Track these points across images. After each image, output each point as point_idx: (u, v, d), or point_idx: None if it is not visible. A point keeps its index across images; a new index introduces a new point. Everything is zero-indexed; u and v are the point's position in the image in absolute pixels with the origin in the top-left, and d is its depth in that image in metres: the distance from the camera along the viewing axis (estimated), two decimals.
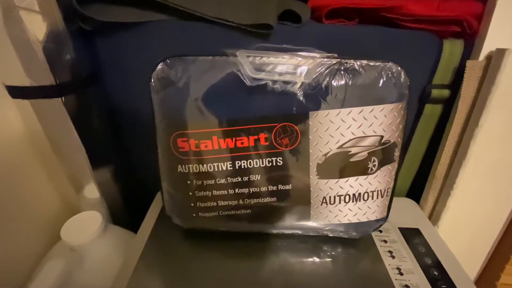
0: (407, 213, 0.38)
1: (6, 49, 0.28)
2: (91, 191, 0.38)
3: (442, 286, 0.29)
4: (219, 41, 0.32)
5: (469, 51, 0.33)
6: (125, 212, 0.43)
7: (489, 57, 0.31)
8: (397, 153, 0.29)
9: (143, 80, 0.27)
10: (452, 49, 0.33)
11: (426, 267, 0.31)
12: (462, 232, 0.38)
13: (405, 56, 0.31)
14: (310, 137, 0.27)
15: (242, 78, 0.26)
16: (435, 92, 0.34)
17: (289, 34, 0.32)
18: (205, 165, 0.28)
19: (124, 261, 0.31)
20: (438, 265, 0.31)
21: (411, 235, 0.34)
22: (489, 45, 0.31)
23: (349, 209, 0.30)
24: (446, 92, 0.34)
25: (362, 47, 0.33)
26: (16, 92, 0.30)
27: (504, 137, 0.32)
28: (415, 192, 0.41)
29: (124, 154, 0.42)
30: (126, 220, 0.42)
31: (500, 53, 0.30)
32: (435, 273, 0.30)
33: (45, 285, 0.29)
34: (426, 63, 0.34)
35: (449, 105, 0.35)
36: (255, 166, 0.28)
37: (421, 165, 0.40)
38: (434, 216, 0.39)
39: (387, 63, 0.26)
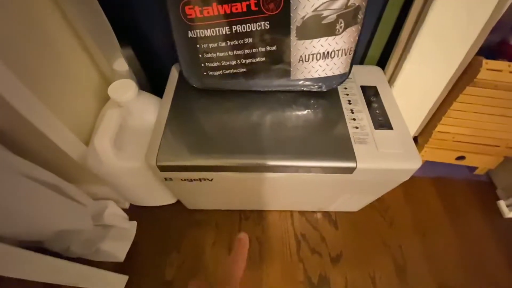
0: (372, 76, 0.48)
1: None
2: (121, 65, 0.48)
3: (379, 119, 0.42)
4: None
5: None
6: (148, 83, 0.54)
7: None
8: (360, 16, 0.36)
9: None
10: None
11: (373, 109, 0.43)
12: (412, 90, 0.49)
13: None
14: (291, 1, 0.34)
15: None
16: None
17: None
18: (209, 30, 0.36)
19: (158, 114, 0.44)
20: (381, 108, 0.43)
21: (369, 90, 0.46)
22: None
23: (320, 65, 0.39)
24: None
25: None
26: None
27: (457, 6, 0.38)
28: (385, 62, 0.50)
29: (143, 34, 0.49)
30: (149, 90, 0.54)
31: None
32: (377, 111, 0.43)
33: (112, 124, 0.43)
34: None
35: None
36: (247, 30, 0.36)
37: (391, 35, 0.47)
38: (392, 78, 0.48)
39: None
